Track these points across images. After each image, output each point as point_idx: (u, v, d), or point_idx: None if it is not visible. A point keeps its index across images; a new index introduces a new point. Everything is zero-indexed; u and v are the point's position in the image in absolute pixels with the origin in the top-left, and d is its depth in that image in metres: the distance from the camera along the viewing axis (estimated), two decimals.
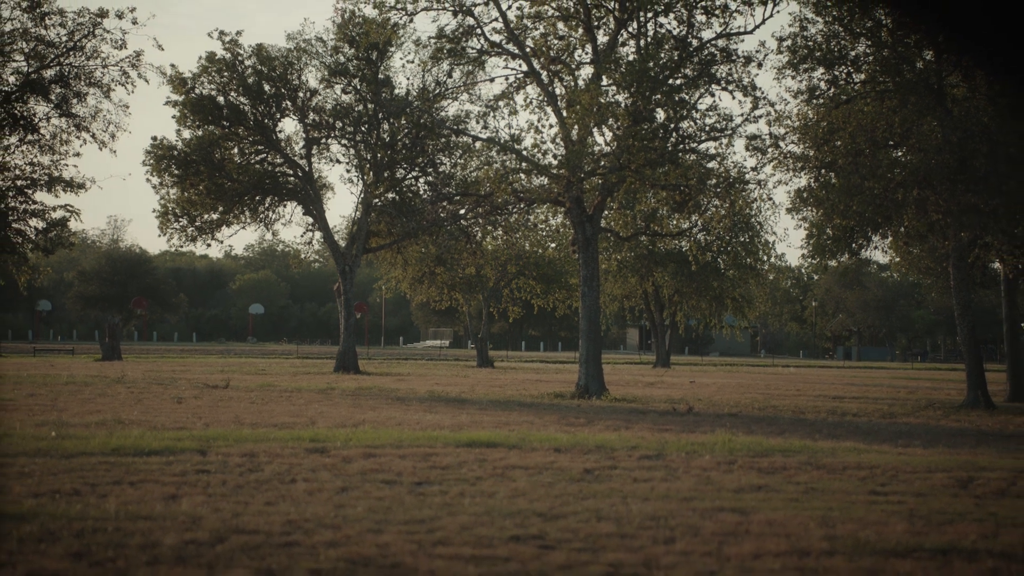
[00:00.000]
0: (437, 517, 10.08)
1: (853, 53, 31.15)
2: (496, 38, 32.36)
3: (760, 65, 30.80)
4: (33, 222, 38.45)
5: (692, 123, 31.03)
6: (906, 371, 73.97)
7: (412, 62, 47.33)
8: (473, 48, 32.51)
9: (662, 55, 30.30)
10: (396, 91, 44.67)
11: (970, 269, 33.68)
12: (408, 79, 44.52)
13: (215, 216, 44.56)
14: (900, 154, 30.82)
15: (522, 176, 33.44)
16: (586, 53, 31.91)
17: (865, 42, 30.86)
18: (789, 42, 31.08)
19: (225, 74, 43.50)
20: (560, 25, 31.97)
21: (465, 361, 70.02)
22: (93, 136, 37.81)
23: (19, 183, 37.74)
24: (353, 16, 42.63)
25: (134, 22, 37.70)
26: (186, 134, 43.69)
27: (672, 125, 30.63)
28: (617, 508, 10.83)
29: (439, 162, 44.88)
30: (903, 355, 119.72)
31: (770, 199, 32.84)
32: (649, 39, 30.89)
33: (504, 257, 55.62)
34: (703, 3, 30.45)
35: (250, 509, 10.33)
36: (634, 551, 8.76)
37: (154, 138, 43.39)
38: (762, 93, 30.74)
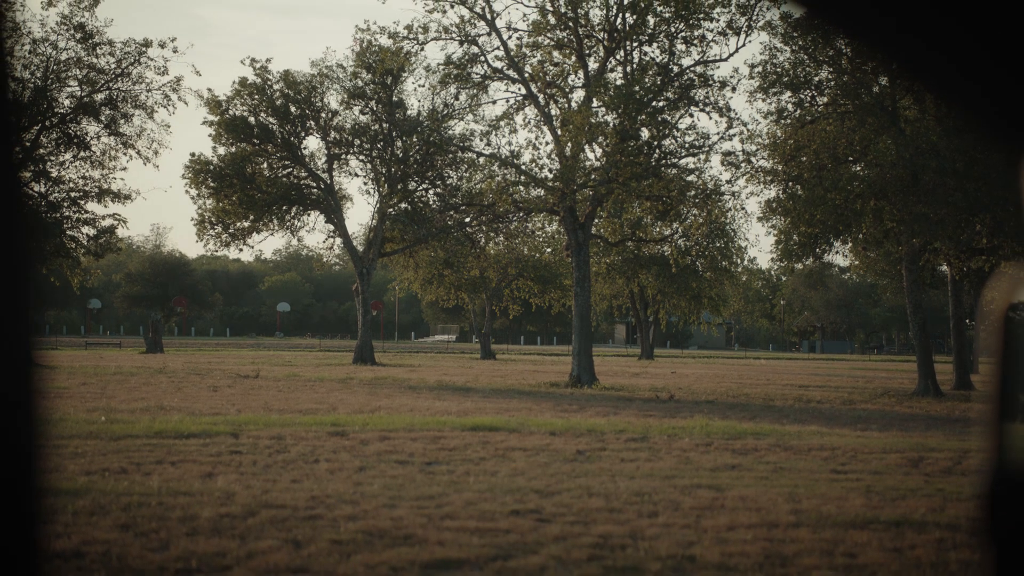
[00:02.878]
0: (445, 493, 10.09)
1: (817, 78, 31.16)
2: (498, 65, 32.37)
3: (734, 89, 30.82)
4: (85, 229, 38.53)
5: (673, 141, 31.03)
6: (864, 363, 73.98)
7: (423, 86, 47.44)
8: (477, 74, 32.51)
9: (646, 80, 30.30)
10: (408, 112, 44.67)
11: (921, 271, 33.69)
12: (419, 101, 44.67)
13: (246, 224, 44.56)
14: (859, 169, 30.82)
15: (521, 188, 33.45)
16: (578, 78, 31.92)
17: (827, 69, 30.87)
18: (760, 68, 31.09)
19: (256, 97, 43.51)
20: (555, 53, 31.98)
21: (470, 354, 70.02)
22: (138, 152, 37.86)
23: (73, 195, 37.80)
24: (370, 45, 42.60)
25: (175, 51, 37.84)
26: (221, 151, 43.71)
27: (655, 143, 30.64)
28: (606, 485, 10.83)
29: (447, 176, 44.87)
30: (861, 348, 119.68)
31: (743, 209, 33.00)
32: (635, 66, 30.90)
33: (505, 261, 55.59)
34: (683, 34, 30.46)
35: (278, 486, 10.34)
36: (621, 524, 8.77)
37: (192, 154, 43.43)
38: (736, 114, 30.77)
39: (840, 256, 56.39)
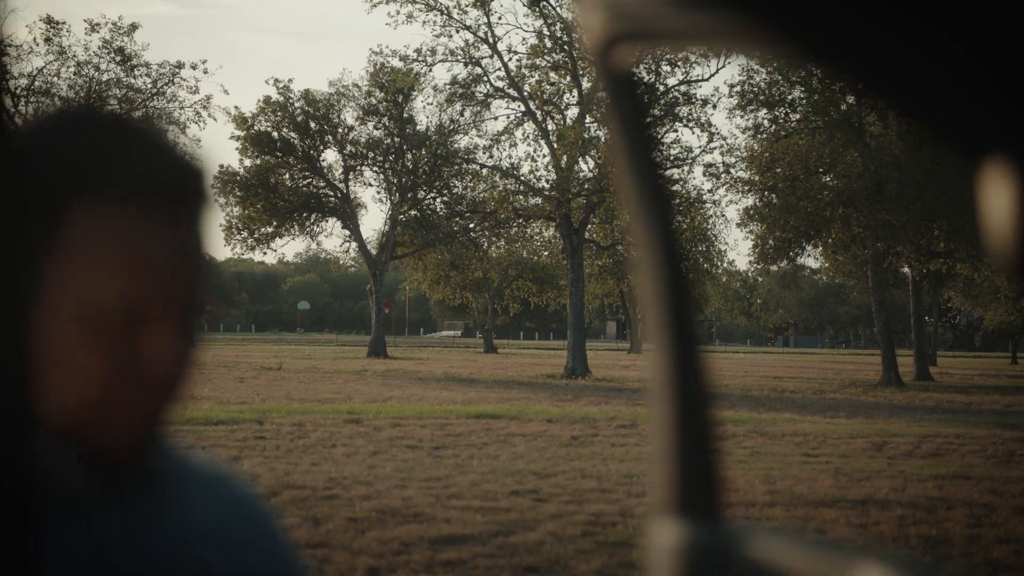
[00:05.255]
0: (451, 475, 10.10)
1: (790, 97, 31.18)
2: (499, 84, 32.42)
3: (715, 106, 30.92)
4: None
5: (659, 154, 30.86)
6: (833, 356, 73.97)
7: (431, 104, 47.46)
8: (481, 92, 32.55)
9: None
10: (418, 127, 44.66)
11: (885, 273, 33.71)
12: (428, 118, 44.60)
13: (270, 230, 44.56)
14: (828, 179, 30.83)
15: (520, 197, 33.46)
16: (572, 96, 31.96)
17: (799, 88, 30.89)
18: (738, 88, 31.09)
19: (279, 114, 43.52)
20: (552, 74, 32.02)
21: (474, 348, 70.01)
22: None
23: None
24: (383, 67, 42.58)
25: (205, 72, 37.78)
26: (247, 163, 43.72)
27: None
28: (598, 468, 10.84)
29: (453, 185, 44.83)
30: (831, 343, 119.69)
31: (723, 216, 32.98)
32: None
33: (506, 263, 55.58)
34: (668, 56, 30.48)
35: (299, 469, 10.35)
36: (612, 503, 8.78)
37: (221, 166, 43.41)
38: (716, 129, 30.87)
39: (811, 259, 56.34)
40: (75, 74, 36.03)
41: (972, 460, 12.12)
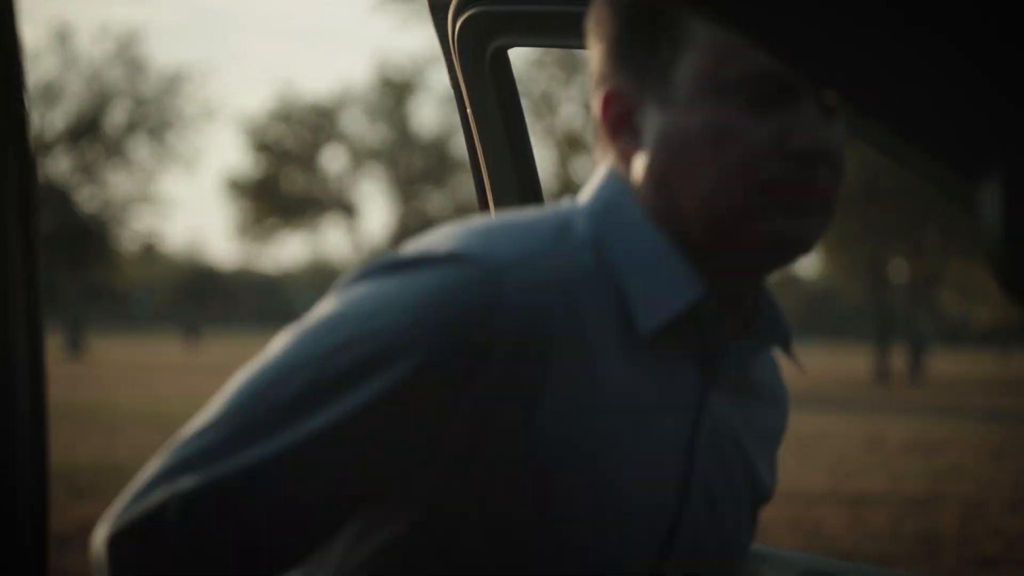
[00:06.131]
0: None
1: None
2: None
3: None
4: (129, 237, 38.70)
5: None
6: (828, 354, 73.95)
7: (432, 106, 47.36)
8: None
9: None
10: (420, 129, 44.74)
11: (880, 272, 33.72)
12: (429, 119, 44.57)
13: (275, 227, 44.70)
14: None
15: None
16: (571, 97, 31.98)
17: None
18: None
19: (283, 115, 43.64)
20: (551, 76, 32.06)
21: None
22: (178, 166, 38.09)
23: (119, 205, 37.97)
24: (386, 70, 42.65)
25: (211, 75, 37.85)
26: (253, 163, 43.83)
27: None
28: None
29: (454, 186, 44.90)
30: (825, 341, 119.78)
31: None
32: None
33: None
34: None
35: None
36: None
37: (228, 167, 43.56)
38: None
39: (808, 258, 56.28)
40: (86, 86, 36.28)
41: (964, 456, 12.13)
